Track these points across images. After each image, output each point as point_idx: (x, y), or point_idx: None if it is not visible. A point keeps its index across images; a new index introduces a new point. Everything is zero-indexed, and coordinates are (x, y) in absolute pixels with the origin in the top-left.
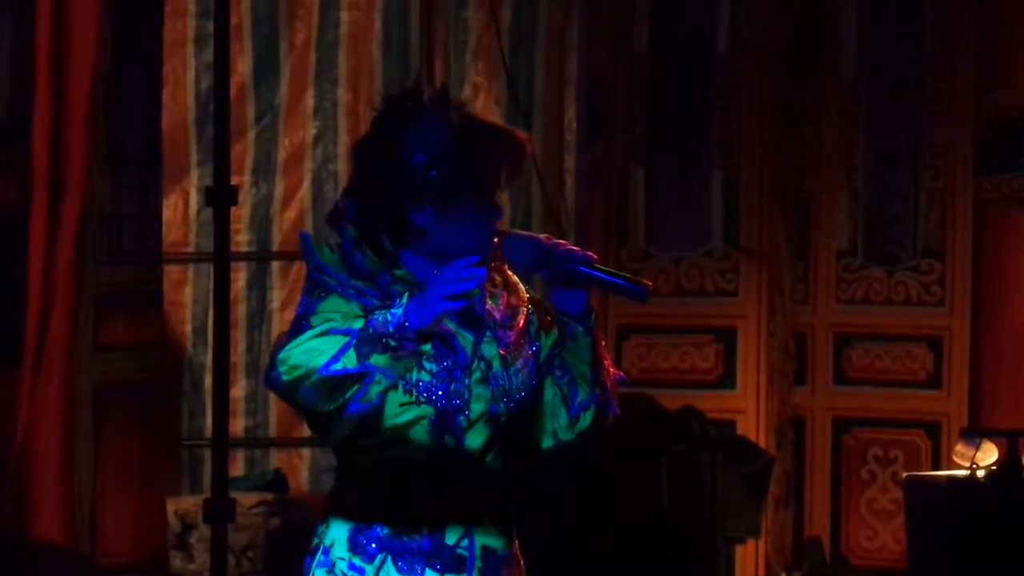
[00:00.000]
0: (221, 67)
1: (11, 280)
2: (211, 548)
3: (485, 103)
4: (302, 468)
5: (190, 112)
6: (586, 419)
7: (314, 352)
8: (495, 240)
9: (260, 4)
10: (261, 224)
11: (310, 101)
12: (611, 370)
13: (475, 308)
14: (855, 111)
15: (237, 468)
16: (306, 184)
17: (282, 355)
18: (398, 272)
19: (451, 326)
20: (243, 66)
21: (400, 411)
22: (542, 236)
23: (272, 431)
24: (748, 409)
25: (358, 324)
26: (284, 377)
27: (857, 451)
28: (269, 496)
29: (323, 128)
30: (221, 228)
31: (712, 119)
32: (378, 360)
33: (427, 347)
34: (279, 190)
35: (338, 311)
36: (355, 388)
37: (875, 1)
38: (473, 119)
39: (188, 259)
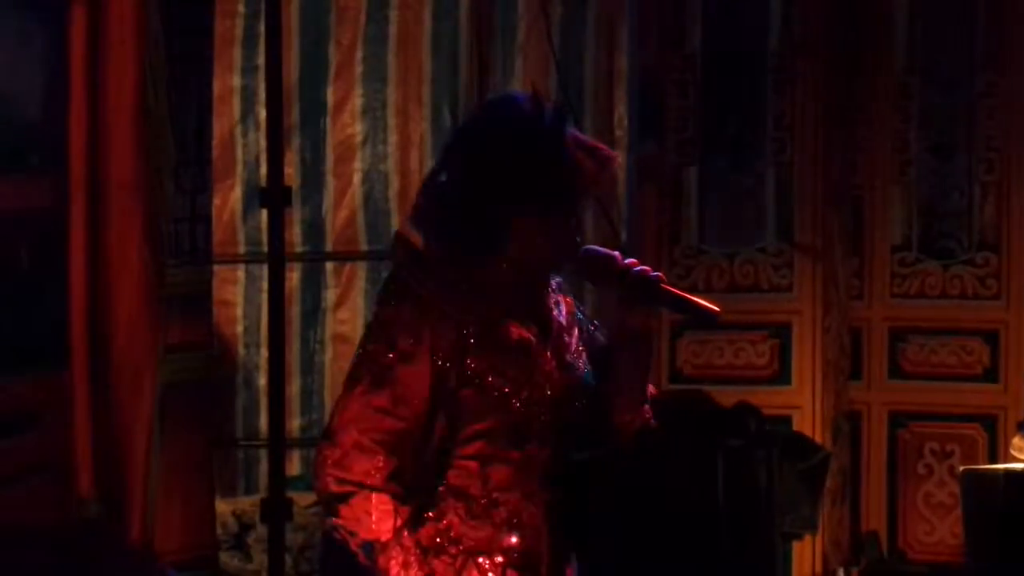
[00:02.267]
0: (273, 67)
1: (50, 284)
2: (268, 548)
3: None
4: None
5: (238, 113)
6: (629, 432)
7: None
8: (578, 246)
9: (308, 4)
10: (313, 224)
11: (358, 100)
12: (650, 388)
13: (548, 314)
14: (908, 105)
15: (293, 468)
16: (356, 183)
17: (333, 471)
18: (474, 275)
19: (525, 333)
20: (291, 66)
21: (482, 416)
22: (618, 253)
23: None
24: (804, 405)
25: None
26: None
27: (913, 445)
28: None
29: (372, 128)
30: (275, 229)
31: (764, 115)
32: None
33: None
34: (329, 190)
35: (417, 379)
36: None
37: None
38: (577, 131)
39: (241, 260)
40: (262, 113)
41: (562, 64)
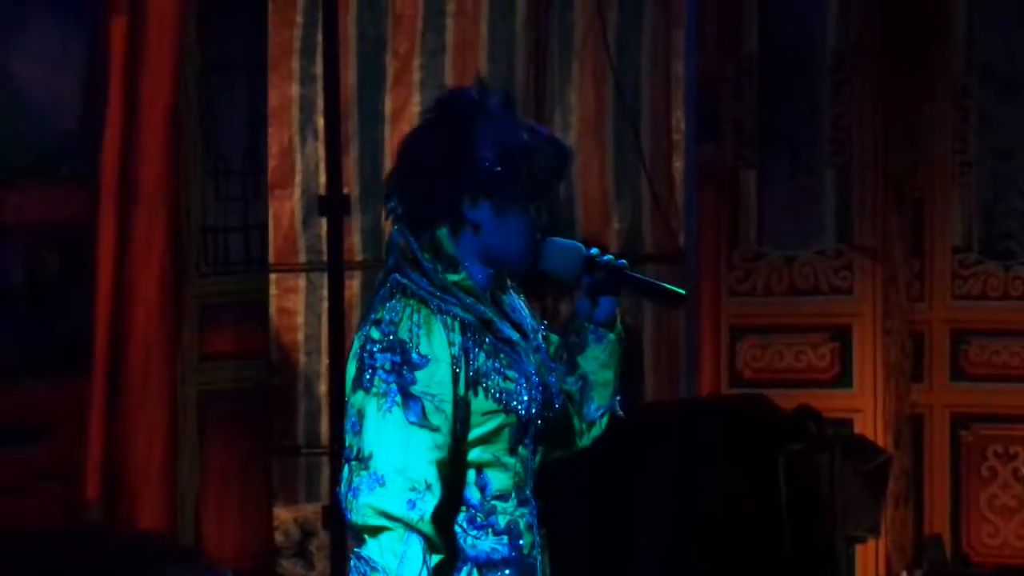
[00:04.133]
0: (330, 77)
1: (77, 291)
2: (330, 555)
3: (592, 105)
4: None
5: (295, 122)
6: (602, 424)
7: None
8: (538, 246)
9: (365, 13)
10: (372, 232)
11: (416, 108)
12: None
13: (524, 316)
14: (967, 106)
15: None
16: None
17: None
18: (453, 277)
19: (513, 334)
20: (348, 75)
21: (484, 420)
22: (581, 244)
23: None
24: (865, 407)
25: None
26: (357, 522)
27: (976, 447)
28: None
29: None
30: (335, 237)
31: (823, 117)
32: None
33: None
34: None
35: (441, 383)
36: None
37: None
38: (532, 123)
39: (301, 269)
40: (320, 122)
41: (619, 69)
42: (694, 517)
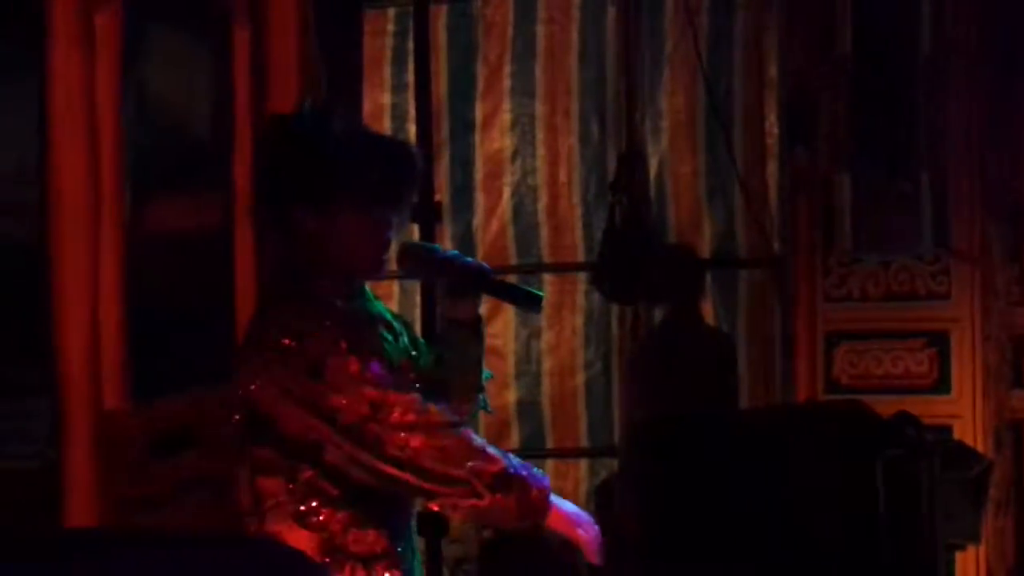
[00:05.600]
0: (422, 85)
1: (217, 303)
2: (426, 561)
3: (683, 109)
4: None
5: (388, 130)
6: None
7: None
8: (385, 250)
9: (455, 20)
10: (464, 239)
11: (507, 115)
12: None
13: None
14: None
15: None
16: (506, 197)
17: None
18: (325, 283)
19: (387, 333)
20: (440, 83)
21: None
22: (437, 246)
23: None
24: (964, 413)
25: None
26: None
27: None
28: None
29: (520, 142)
30: None
31: (918, 120)
32: None
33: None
34: (479, 205)
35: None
36: None
37: None
38: (358, 130)
39: (394, 276)
40: (412, 130)
41: (710, 73)
42: (790, 525)
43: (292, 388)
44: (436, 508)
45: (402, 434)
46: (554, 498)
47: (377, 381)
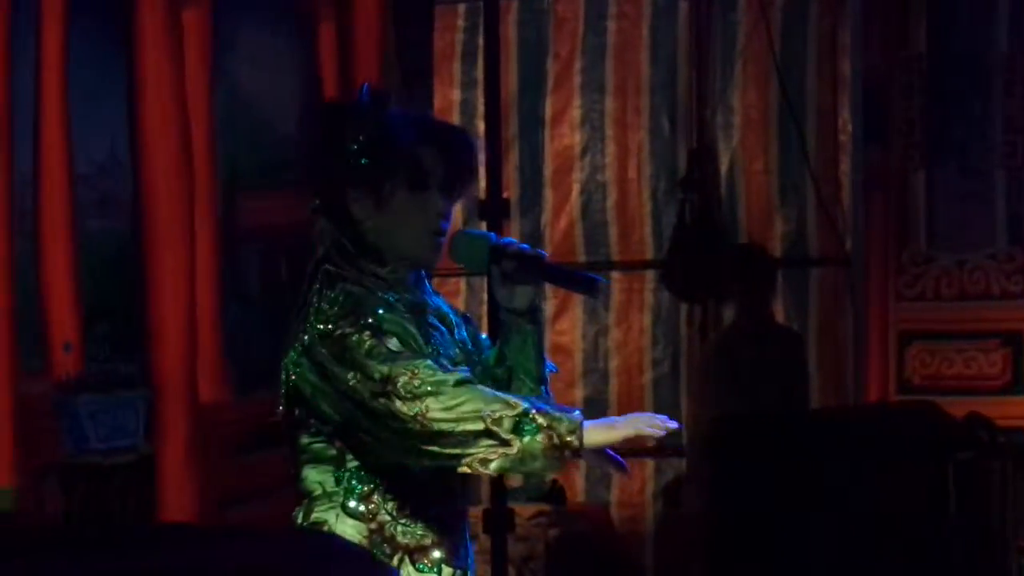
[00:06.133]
0: (491, 81)
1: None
2: (491, 559)
3: (756, 106)
4: (578, 478)
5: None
6: None
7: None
8: (439, 237)
9: (525, 16)
10: (532, 235)
11: (576, 112)
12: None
13: (448, 311)
14: None
15: (515, 478)
16: (575, 194)
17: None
18: (379, 269)
19: (437, 323)
20: (509, 79)
21: None
22: (492, 234)
23: None
24: None
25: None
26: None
27: None
28: (547, 507)
29: (590, 138)
30: None
31: (993, 118)
32: None
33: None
34: (548, 201)
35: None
36: None
37: None
38: (413, 114)
39: (462, 273)
40: (481, 126)
41: (783, 69)
42: (863, 527)
43: (325, 373)
44: (467, 471)
45: (414, 402)
46: (591, 427)
47: (387, 356)
